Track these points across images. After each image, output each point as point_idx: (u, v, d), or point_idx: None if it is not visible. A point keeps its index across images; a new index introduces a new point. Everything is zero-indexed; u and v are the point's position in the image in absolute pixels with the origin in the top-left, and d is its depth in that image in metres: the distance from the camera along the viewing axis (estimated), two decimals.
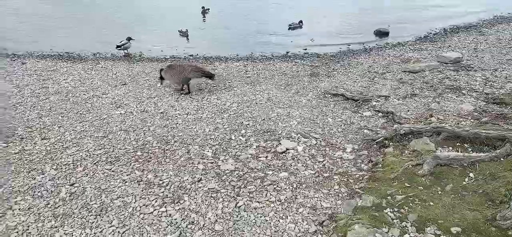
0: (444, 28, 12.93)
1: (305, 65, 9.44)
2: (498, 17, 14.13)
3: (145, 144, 5.45)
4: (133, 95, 7.42)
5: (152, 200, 4.21)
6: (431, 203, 3.72)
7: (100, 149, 5.36)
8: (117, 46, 10.73)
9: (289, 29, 14.21)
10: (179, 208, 4.05)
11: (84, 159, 5.13)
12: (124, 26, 14.38)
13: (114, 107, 6.86)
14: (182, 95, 7.37)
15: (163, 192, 4.34)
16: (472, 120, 5.64)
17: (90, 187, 4.50)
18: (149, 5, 17.97)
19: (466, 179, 4.02)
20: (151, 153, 5.22)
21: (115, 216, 3.99)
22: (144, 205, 4.15)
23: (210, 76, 7.58)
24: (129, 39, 10.83)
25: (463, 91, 6.95)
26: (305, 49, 11.25)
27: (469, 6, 15.95)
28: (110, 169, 4.87)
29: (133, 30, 12.88)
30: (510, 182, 3.76)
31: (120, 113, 6.57)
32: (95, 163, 5.01)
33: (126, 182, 4.57)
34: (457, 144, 4.72)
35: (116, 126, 6.08)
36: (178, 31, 12.81)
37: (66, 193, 4.40)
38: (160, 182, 4.53)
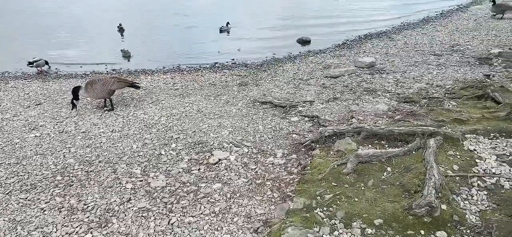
0: (359, 36, 13.99)
1: (234, 74, 9.54)
2: (404, 24, 15.66)
3: (66, 168, 5.06)
4: (49, 115, 6.85)
5: (76, 227, 3.91)
6: (356, 199, 3.97)
7: (12, 177, 4.85)
8: (29, 63, 9.90)
9: (220, 32, 14.57)
10: (107, 232, 3.81)
11: None
12: (35, 42, 13.32)
13: (27, 129, 6.27)
14: (106, 111, 6.98)
15: (88, 217, 4.05)
16: (387, 119, 6.16)
17: (3, 220, 4.04)
18: (58, 22, 16.88)
19: (385, 174, 4.36)
20: (73, 176, 4.86)
21: None
22: (66, 233, 3.83)
23: (135, 86, 7.35)
24: (46, 62, 10.08)
25: (378, 93, 7.56)
26: (233, 59, 11.39)
27: (378, 15, 17.50)
28: (26, 198, 4.42)
29: (45, 46, 11.95)
30: (422, 173, 4.16)
31: (35, 136, 6.02)
32: (7, 193, 4.52)
33: (44, 210, 4.19)
34: (375, 141, 5.11)
35: (31, 150, 5.56)
36: (121, 50, 12.01)
37: None
38: (85, 206, 4.23)
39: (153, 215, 4.05)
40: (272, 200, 4.27)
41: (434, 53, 10.56)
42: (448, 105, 6.37)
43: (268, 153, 5.36)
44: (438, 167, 4.16)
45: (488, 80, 7.80)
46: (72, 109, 6.96)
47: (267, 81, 8.84)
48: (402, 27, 15.05)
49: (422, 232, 3.48)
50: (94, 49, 12.57)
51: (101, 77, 7.12)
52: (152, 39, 14.23)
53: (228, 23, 14.85)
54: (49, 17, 17.72)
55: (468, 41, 11.72)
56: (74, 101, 6.87)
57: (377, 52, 11.09)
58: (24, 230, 3.90)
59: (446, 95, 7.10)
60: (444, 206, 3.67)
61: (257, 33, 14.95)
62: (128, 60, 11.69)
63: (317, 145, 5.28)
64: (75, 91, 6.86)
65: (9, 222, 4.02)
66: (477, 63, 9.30)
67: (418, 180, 4.07)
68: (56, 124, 6.47)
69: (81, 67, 10.58)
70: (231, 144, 5.57)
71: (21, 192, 4.54)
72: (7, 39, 13.81)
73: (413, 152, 4.67)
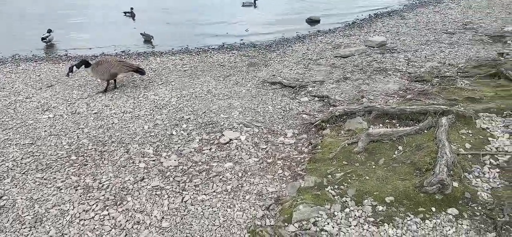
0: (369, 14, 13.78)
1: (243, 55, 9.51)
2: (416, 2, 15.35)
3: (80, 148, 5.15)
4: (61, 97, 6.94)
5: (92, 205, 4.00)
6: (367, 177, 3.99)
7: (28, 157, 4.96)
8: (43, 39, 10.60)
9: (242, 5, 14.81)
10: (123, 210, 3.90)
11: (11, 169, 4.71)
12: (45, 25, 13.39)
13: (40, 111, 6.37)
14: (116, 92, 7.04)
15: (103, 195, 4.14)
16: (398, 98, 6.12)
17: (21, 198, 4.15)
18: (67, 5, 16.87)
19: (396, 152, 4.36)
20: (87, 156, 4.95)
21: (52, 226, 3.74)
22: (83, 210, 3.93)
23: (140, 71, 7.34)
24: (49, 31, 10.56)
25: (389, 72, 7.49)
26: (241, 40, 11.33)
27: None
28: (42, 177, 4.53)
29: (55, 29, 12.00)
30: (433, 151, 4.14)
31: (49, 117, 6.11)
32: (24, 173, 4.63)
33: (61, 189, 4.29)
34: (386, 120, 5.10)
35: (45, 131, 5.66)
36: (140, 33, 11.63)
37: None
38: (100, 185, 4.32)
39: (167, 193, 4.13)
40: (283, 178, 4.32)
41: (446, 31, 10.38)
42: (461, 84, 6.30)
43: (278, 133, 5.39)
44: (450, 145, 4.15)
45: (502, 58, 7.66)
46: (67, 74, 7.22)
47: (276, 61, 8.80)
48: (414, 5, 14.77)
49: (433, 209, 3.50)
50: (107, 33, 12.56)
51: (108, 58, 7.14)
52: (161, 20, 14.16)
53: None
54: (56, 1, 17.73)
55: (481, 19, 11.49)
56: (74, 67, 7.06)
57: (388, 31, 10.94)
58: (42, 208, 4.01)
59: (459, 73, 7.00)
60: (455, 184, 3.67)
61: (265, 12, 14.81)
62: (153, 46, 11.13)
63: (328, 125, 5.28)
64: (83, 63, 7.06)
65: (27, 200, 4.13)
66: (491, 41, 9.12)
67: (429, 158, 4.06)
68: (69, 105, 6.56)
69: (90, 49, 10.63)
70: (241, 125, 5.60)
71: (37, 172, 4.64)
72: (14, 22, 13.89)
73: (425, 131, 4.65)
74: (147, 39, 11.46)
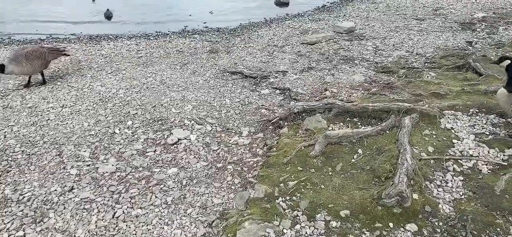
0: None
1: (204, 41, 8.91)
2: None
3: (5, 150, 4.52)
4: None
5: (8, 223, 3.44)
6: (322, 186, 3.61)
7: None
8: None
9: None
10: (41, 229, 3.37)
11: None
12: None
13: None
14: (22, 87, 6.21)
15: (22, 210, 3.59)
16: (363, 91, 5.75)
17: None
18: None
19: (355, 156, 3.99)
20: (11, 160, 4.33)
21: None
22: None
23: (64, 53, 6.74)
24: None
25: (356, 62, 7.12)
26: (205, 23, 10.69)
27: None
28: None
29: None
30: (394, 156, 3.81)
31: None
32: None
33: None
34: (348, 119, 4.71)
35: None
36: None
37: None
38: (20, 197, 3.75)
39: (97, 207, 3.61)
40: (232, 187, 3.88)
41: (416, 17, 10.10)
42: (427, 77, 6.00)
43: (233, 131, 4.93)
44: (412, 150, 3.82)
45: (470, 47, 7.43)
46: None
47: (240, 47, 8.27)
48: None
49: (391, 224, 3.17)
50: (58, 10, 11.59)
51: (32, 48, 6.16)
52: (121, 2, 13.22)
53: None
54: None
55: (451, 4, 11.29)
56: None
57: (357, 16, 10.56)
58: None
59: (426, 64, 6.72)
60: (416, 195, 3.35)
61: None
62: (110, 15, 11.18)
63: (286, 123, 4.86)
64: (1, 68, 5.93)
65: None
66: (460, 28, 8.90)
67: (389, 164, 3.72)
68: (1, 98, 5.84)
69: (36, 30, 9.72)
70: (193, 121, 5.10)
71: None
72: None
73: (387, 132, 4.30)
74: (107, 15, 10.99)
